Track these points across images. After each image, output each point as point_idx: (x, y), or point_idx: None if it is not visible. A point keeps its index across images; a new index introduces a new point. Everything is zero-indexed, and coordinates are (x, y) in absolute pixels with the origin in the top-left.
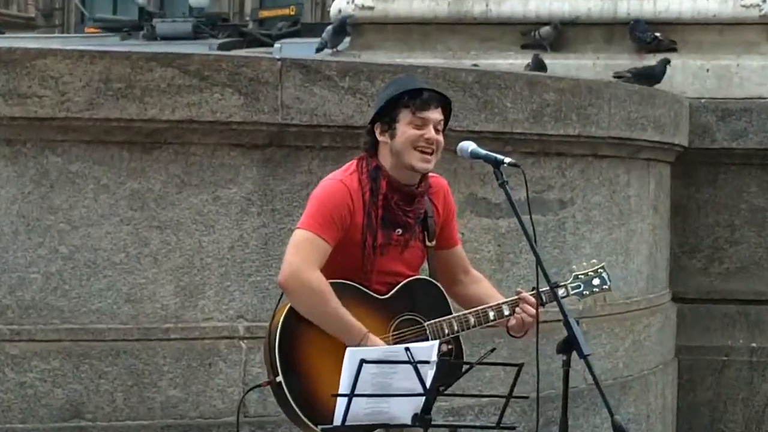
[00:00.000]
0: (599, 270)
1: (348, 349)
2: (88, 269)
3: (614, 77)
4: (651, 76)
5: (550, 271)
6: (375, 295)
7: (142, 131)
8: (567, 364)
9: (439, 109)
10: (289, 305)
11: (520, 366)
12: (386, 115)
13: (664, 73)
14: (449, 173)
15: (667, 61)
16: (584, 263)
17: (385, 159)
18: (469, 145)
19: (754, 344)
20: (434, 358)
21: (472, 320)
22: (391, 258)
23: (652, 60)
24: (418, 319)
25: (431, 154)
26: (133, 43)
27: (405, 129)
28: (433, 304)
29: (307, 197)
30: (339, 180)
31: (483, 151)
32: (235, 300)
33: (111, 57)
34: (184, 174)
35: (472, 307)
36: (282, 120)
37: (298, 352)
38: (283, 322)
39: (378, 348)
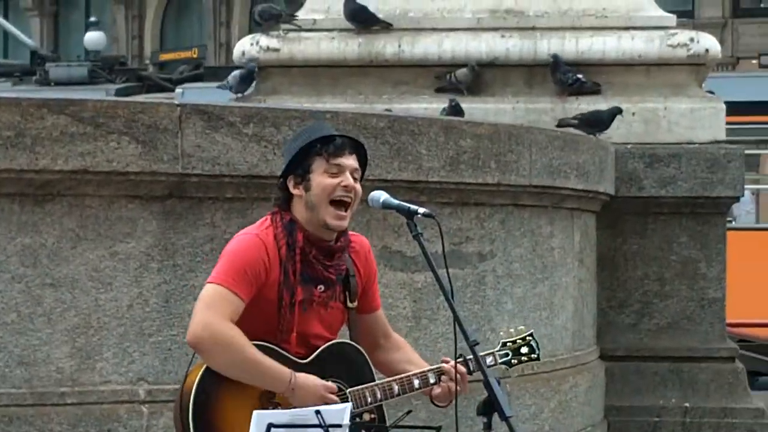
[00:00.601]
0: (527, 338)
1: (255, 412)
2: None
3: (558, 126)
4: (599, 122)
5: (470, 329)
6: (294, 358)
7: (34, 183)
8: (488, 427)
9: (354, 156)
10: (203, 367)
11: (438, 429)
12: (298, 167)
13: (613, 120)
14: (361, 225)
15: (619, 110)
16: (512, 329)
17: (300, 213)
18: (380, 195)
19: (687, 404)
20: (346, 421)
21: (396, 388)
22: (311, 318)
23: (574, 103)
24: (339, 385)
25: (347, 208)
26: (25, 89)
27: (320, 179)
28: (355, 369)
29: (210, 252)
30: (254, 234)
31: (395, 201)
32: (135, 362)
33: None
34: (78, 228)
35: (392, 374)
36: (182, 169)
37: (212, 419)
38: (197, 385)
39: (287, 411)
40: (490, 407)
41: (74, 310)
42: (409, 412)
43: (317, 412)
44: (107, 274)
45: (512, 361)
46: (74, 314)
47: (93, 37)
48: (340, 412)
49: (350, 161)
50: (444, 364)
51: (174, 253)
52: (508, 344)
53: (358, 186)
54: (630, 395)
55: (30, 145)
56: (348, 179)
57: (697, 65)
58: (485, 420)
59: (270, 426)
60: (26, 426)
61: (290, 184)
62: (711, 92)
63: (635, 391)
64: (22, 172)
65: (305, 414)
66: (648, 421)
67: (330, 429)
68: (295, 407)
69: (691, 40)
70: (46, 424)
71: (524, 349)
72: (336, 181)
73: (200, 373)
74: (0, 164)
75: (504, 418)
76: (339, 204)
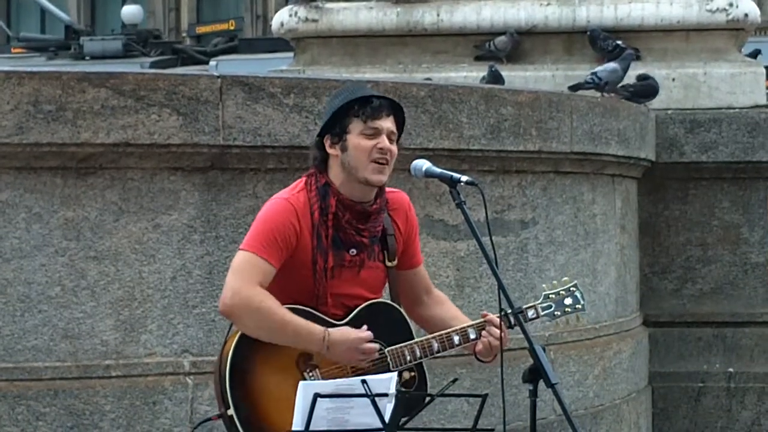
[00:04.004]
0: (571, 288)
1: (300, 383)
2: (21, 304)
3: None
4: (652, 91)
5: (513, 296)
6: (330, 320)
7: (76, 156)
8: (534, 394)
9: (391, 118)
10: (239, 333)
11: (484, 397)
12: (336, 126)
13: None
14: None
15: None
16: (554, 281)
17: (336, 175)
18: (423, 164)
19: (731, 369)
20: (393, 390)
21: (435, 345)
22: (346, 280)
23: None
24: (377, 344)
25: (385, 165)
26: (60, 63)
27: (357, 140)
28: (393, 328)
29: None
30: (284, 199)
31: (438, 170)
32: (180, 333)
33: (40, 78)
34: (121, 200)
35: (435, 330)
36: (224, 141)
37: (250, 383)
38: (233, 350)
39: (332, 381)
40: (535, 374)
41: (118, 282)
42: (455, 380)
43: (363, 381)
44: (150, 247)
45: (555, 312)
46: (118, 287)
47: (130, 11)
48: (386, 381)
49: (387, 123)
50: (483, 320)
51: (216, 225)
52: (550, 296)
53: (394, 147)
54: (674, 361)
55: (71, 119)
56: (384, 141)
57: (736, 30)
58: (531, 387)
59: (316, 396)
60: (71, 399)
61: (327, 144)
62: (756, 54)
63: (679, 357)
64: (63, 146)
65: (351, 383)
66: (692, 386)
67: (376, 398)
68: (334, 363)
69: (730, 5)
70: (91, 396)
71: (568, 300)
72: (372, 142)
73: (236, 339)
74: (42, 138)
75: (549, 385)
76: (376, 162)
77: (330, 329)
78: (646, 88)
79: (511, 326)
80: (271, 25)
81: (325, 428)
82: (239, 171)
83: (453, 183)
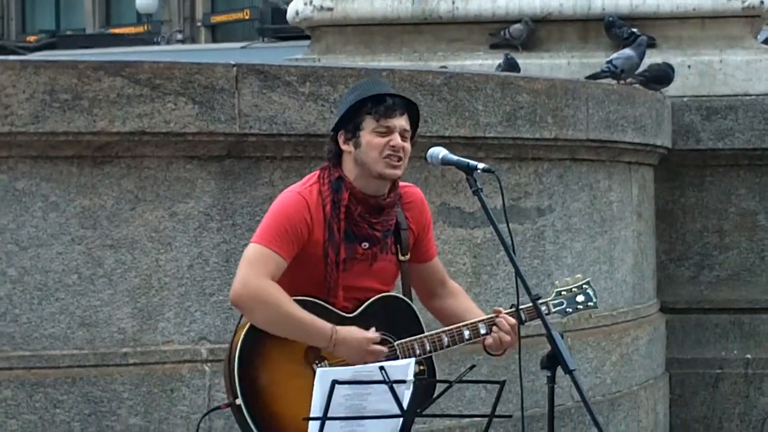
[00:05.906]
0: (584, 285)
1: (319, 370)
2: (39, 292)
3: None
4: (666, 77)
5: (530, 283)
6: (341, 312)
7: (92, 145)
8: (552, 381)
9: (405, 116)
10: (249, 323)
11: (502, 383)
12: (349, 123)
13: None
14: (420, 182)
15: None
16: (567, 278)
17: (350, 169)
18: (439, 152)
19: (749, 355)
20: (410, 377)
21: (445, 340)
22: (358, 273)
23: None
24: (387, 338)
25: (398, 161)
26: None
27: (369, 137)
28: (403, 322)
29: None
30: (296, 192)
31: (454, 157)
32: (197, 321)
33: (56, 67)
34: (137, 189)
35: (449, 322)
36: (240, 129)
37: (259, 373)
38: (243, 340)
39: (351, 368)
40: (553, 361)
41: (135, 271)
42: (473, 367)
43: (381, 368)
44: (167, 235)
45: (567, 309)
46: (135, 275)
47: (144, 1)
48: (404, 368)
49: (400, 122)
50: (494, 315)
51: (233, 213)
52: (562, 293)
53: (407, 145)
54: (691, 348)
55: (87, 108)
56: (396, 139)
57: (752, 17)
58: (549, 374)
59: (334, 382)
60: (89, 386)
61: (340, 139)
62: None
63: (696, 344)
64: (80, 135)
65: (369, 370)
66: (709, 373)
67: (394, 384)
68: (341, 360)
69: None
70: (108, 384)
71: (580, 298)
72: (384, 140)
73: (245, 329)
74: (58, 127)
75: (567, 371)
76: (389, 157)
77: (338, 327)
78: (661, 75)
79: (522, 322)
80: (286, 13)
81: (342, 415)
82: (255, 159)
83: (469, 170)
